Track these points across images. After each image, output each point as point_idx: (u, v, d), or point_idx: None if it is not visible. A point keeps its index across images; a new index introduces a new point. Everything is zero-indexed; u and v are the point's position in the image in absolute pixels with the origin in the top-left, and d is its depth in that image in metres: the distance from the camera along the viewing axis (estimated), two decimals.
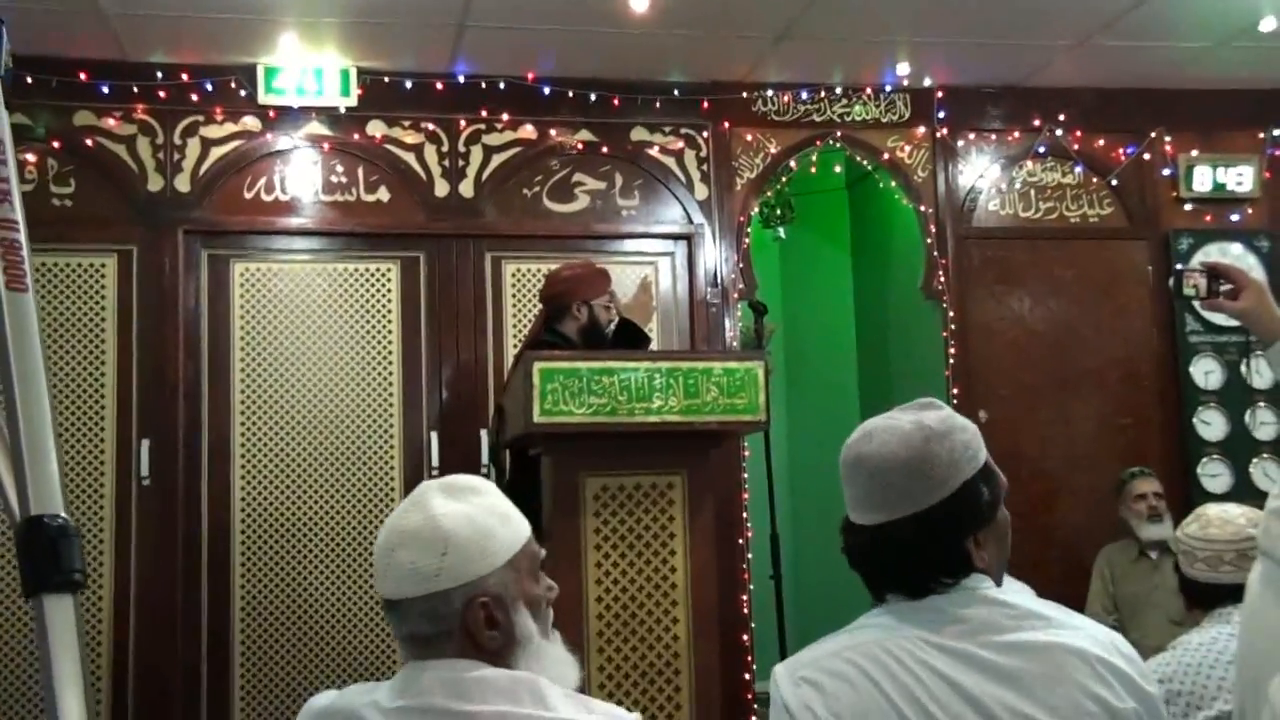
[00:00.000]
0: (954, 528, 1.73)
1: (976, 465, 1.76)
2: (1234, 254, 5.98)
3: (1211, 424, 5.91)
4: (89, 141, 5.22)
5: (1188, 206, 6.07)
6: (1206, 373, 5.93)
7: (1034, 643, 1.68)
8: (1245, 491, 5.67)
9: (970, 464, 1.75)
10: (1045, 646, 1.68)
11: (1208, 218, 6.08)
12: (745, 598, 5.42)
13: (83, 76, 5.16)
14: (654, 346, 5.48)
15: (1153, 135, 6.05)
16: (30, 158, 5.12)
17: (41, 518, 1.15)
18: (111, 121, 5.24)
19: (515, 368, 3.90)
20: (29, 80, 4.98)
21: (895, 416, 1.80)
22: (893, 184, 5.97)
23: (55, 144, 5.17)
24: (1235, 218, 6.11)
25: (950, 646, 1.67)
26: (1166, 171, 6.07)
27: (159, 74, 5.24)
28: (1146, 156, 6.06)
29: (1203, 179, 6.06)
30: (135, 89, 5.23)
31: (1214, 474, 5.86)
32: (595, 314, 4.44)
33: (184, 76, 5.26)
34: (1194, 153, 6.08)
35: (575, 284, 4.52)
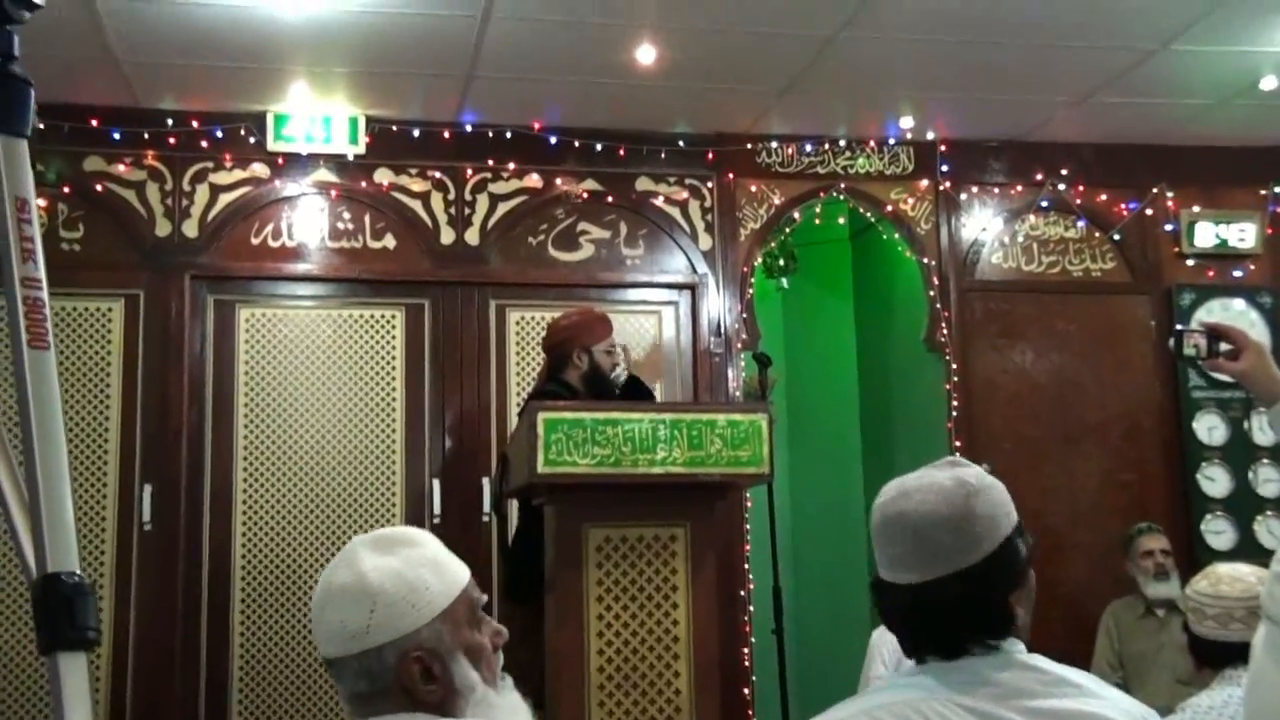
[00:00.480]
0: (997, 585, 1.70)
1: (1013, 522, 1.74)
2: (1236, 310, 6.00)
3: (1215, 480, 5.90)
4: (99, 187, 5.25)
5: (1190, 262, 6.10)
6: (1210, 428, 5.93)
7: (1065, 711, 1.66)
8: (1249, 549, 5.65)
9: (1008, 521, 1.73)
10: (1077, 715, 1.66)
11: (1210, 273, 6.10)
12: (746, 650, 5.39)
13: (94, 123, 5.20)
14: (658, 397, 5.51)
15: (1155, 191, 6.09)
16: (40, 202, 5.14)
17: (58, 575, 1.15)
18: (121, 167, 5.28)
19: (520, 418, 3.91)
20: (40, 126, 5.01)
21: (930, 474, 1.76)
22: (896, 236, 6.00)
23: (65, 189, 5.20)
24: (1238, 274, 6.13)
25: (983, 710, 1.64)
26: (1169, 227, 6.10)
27: (169, 121, 5.29)
28: (1149, 212, 6.09)
29: (1205, 235, 6.09)
30: (146, 135, 5.27)
31: (1218, 530, 5.84)
32: (596, 360, 4.45)
33: (194, 123, 5.31)
34: (1196, 208, 6.12)
35: (575, 331, 4.54)
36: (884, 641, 4.23)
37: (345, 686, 1.63)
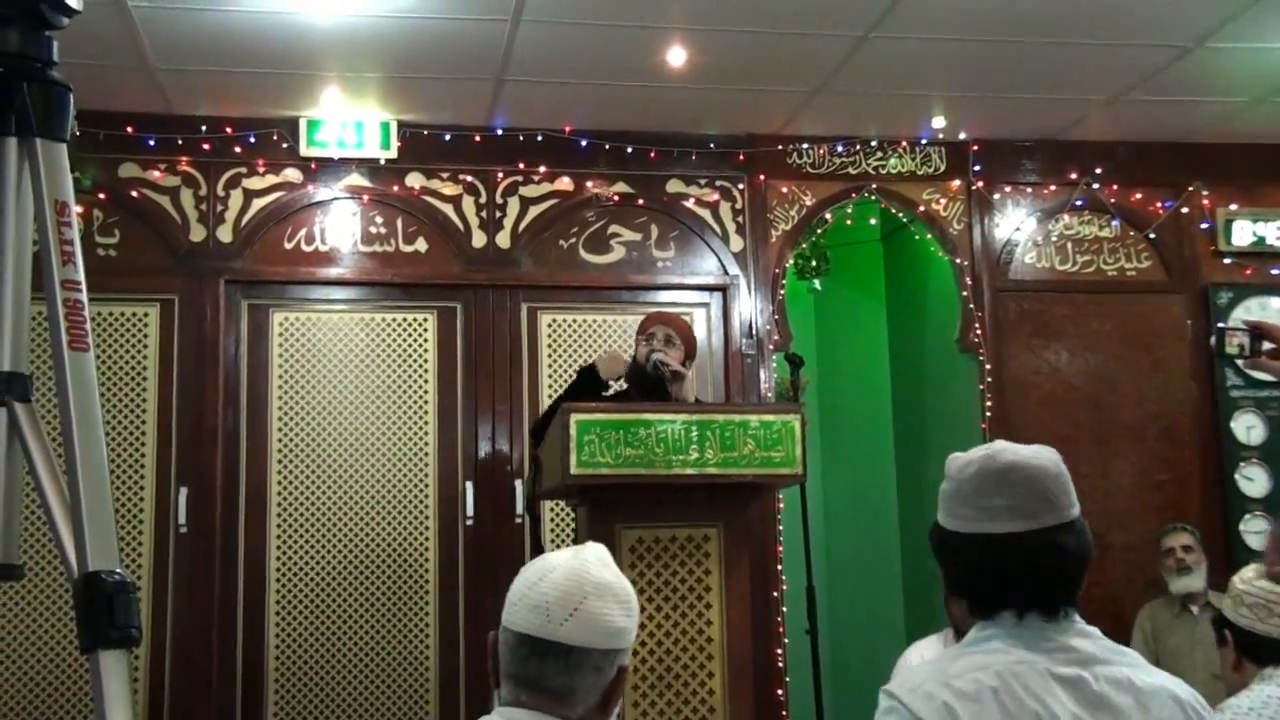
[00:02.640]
0: (1090, 544, 1.79)
1: None
2: (1275, 308, 5.95)
3: (1254, 480, 5.84)
4: (134, 193, 5.30)
5: (1227, 260, 6.05)
6: (1249, 428, 5.87)
7: (1142, 682, 1.72)
8: None
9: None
10: (1155, 690, 1.71)
11: (1248, 272, 6.05)
12: (780, 651, 5.38)
13: (129, 129, 5.25)
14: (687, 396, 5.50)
15: (1190, 189, 6.04)
16: (77, 209, 5.18)
17: (99, 573, 1.16)
18: (156, 173, 5.33)
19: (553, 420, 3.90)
20: (77, 132, 5.07)
21: (1006, 444, 1.83)
22: (928, 236, 5.98)
23: (101, 195, 5.26)
24: (1276, 272, 6.07)
25: (1066, 676, 1.69)
26: (1205, 225, 6.05)
27: (203, 127, 5.33)
28: (1184, 210, 6.04)
29: (1242, 233, 6.03)
30: (180, 141, 5.32)
31: (1257, 530, 5.78)
32: (637, 353, 4.42)
33: (228, 129, 5.35)
34: (1233, 206, 6.06)
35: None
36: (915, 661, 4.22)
37: (560, 678, 1.65)
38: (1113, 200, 6.00)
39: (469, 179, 5.59)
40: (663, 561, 3.69)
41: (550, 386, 5.46)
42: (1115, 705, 1.68)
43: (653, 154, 5.66)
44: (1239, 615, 2.77)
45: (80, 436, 1.19)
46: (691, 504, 3.72)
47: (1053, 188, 6.00)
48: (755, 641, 3.90)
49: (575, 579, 1.67)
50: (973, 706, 1.65)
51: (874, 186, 5.88)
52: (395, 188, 5.51)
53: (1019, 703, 1.65)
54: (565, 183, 5.65)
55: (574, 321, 5.53)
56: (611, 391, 4.45)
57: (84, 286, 1.25)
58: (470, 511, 5.34)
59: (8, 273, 1.25)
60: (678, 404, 4.14)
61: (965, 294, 5.86)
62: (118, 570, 1.18)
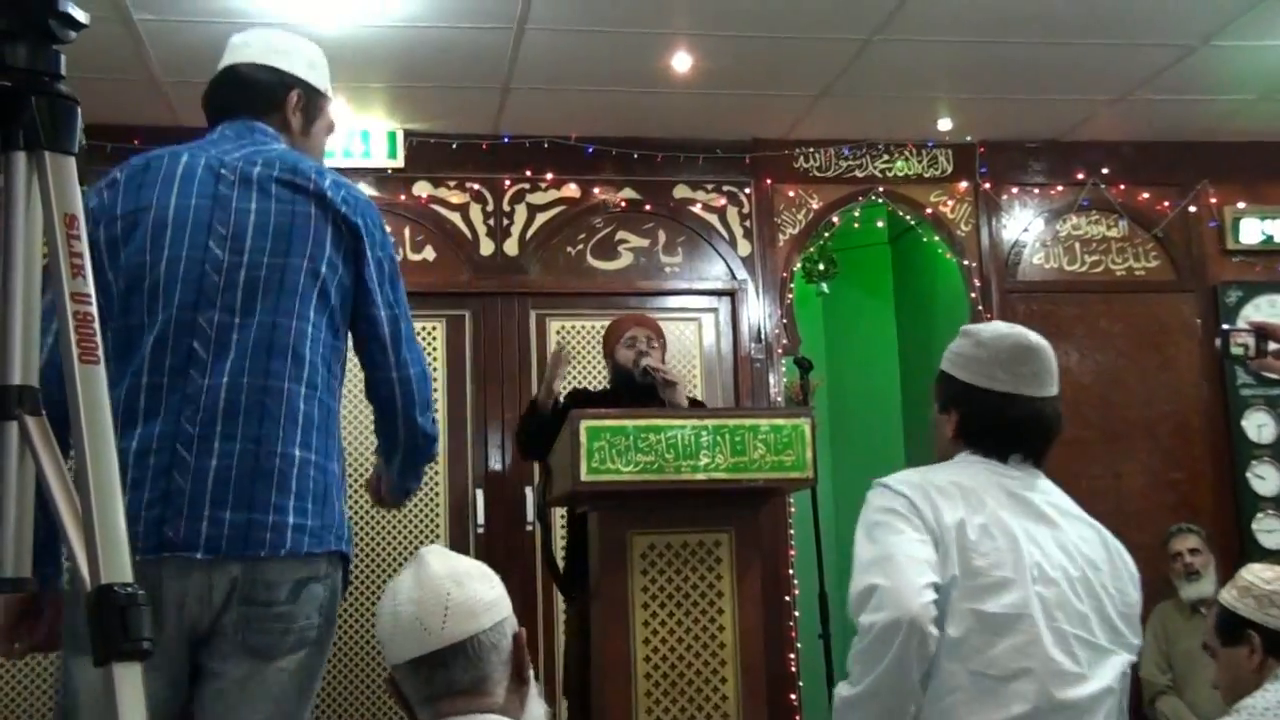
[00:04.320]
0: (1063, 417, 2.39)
1: None
2: None
3: (1266, 479, 5.82)
4: None
5: (1235, 259, 6.03)
6: (1259, 426, 5.86)
7: (1079, 514, 2.31)
8: None
9: None
10: (1090, 523, 2.30)
11: (1256, 269, 6.03)
12: (793, 656, 5.37)
13: (136, 142, 5.25)
14: (698, 394, 5.50)
15: (1198, 188, 6.02)
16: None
17: (112, 586, 1.16)
18: None
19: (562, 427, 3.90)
20: (85, 145, 5.08)
21: (1017, 326, 2.39)
22: (936, 238, 5.98)
23: None
24: None
25: (1022, 496, 2.25)
26: (1213, 224, 6.03)
27: None
28: (1192, 209, 6.03)
29: (1250, 231, 6.02)
30: None
31: (1269, 529, 5.77)
32: (617, 359, 4.43)
33: None
34: (1240, 205, 6.05)
35: (603, 346, 4.58)
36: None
37: (468, 674, 1.65)
38: (1120, 200, 5.99)
39: (476, 187, 5.59)
40: (674, 567, 3.68)
41: (560, 393, 5.45)
42: (1054, 521, 2.24)
43: (659, 159, 5.66)
44: (1268, 615, 2.75)
45: (92, 449, 1.19)
46: (703, 509, 3.71)
47: (1060, 188, 5.99)
48: (768, 647, 3.88)
49: (428, 583, 1.67)
50: (943, 499, 2.18)
51: (881, 189, 5.88)
52: (402, 196, 5.52)
53: (980, 504, 2.18)
54: (572, 189, 5.66)
55: (582, 328, 5.53)
56: (596, 392, 4.46)
57: (94, 299, 1.25)
58: (481, 519, 5.34)
59: (17, 286, 1.25)
60: (688, 409, 4.14)
61: (974, 295, 5.85)
62: (130, 583, 1.18)
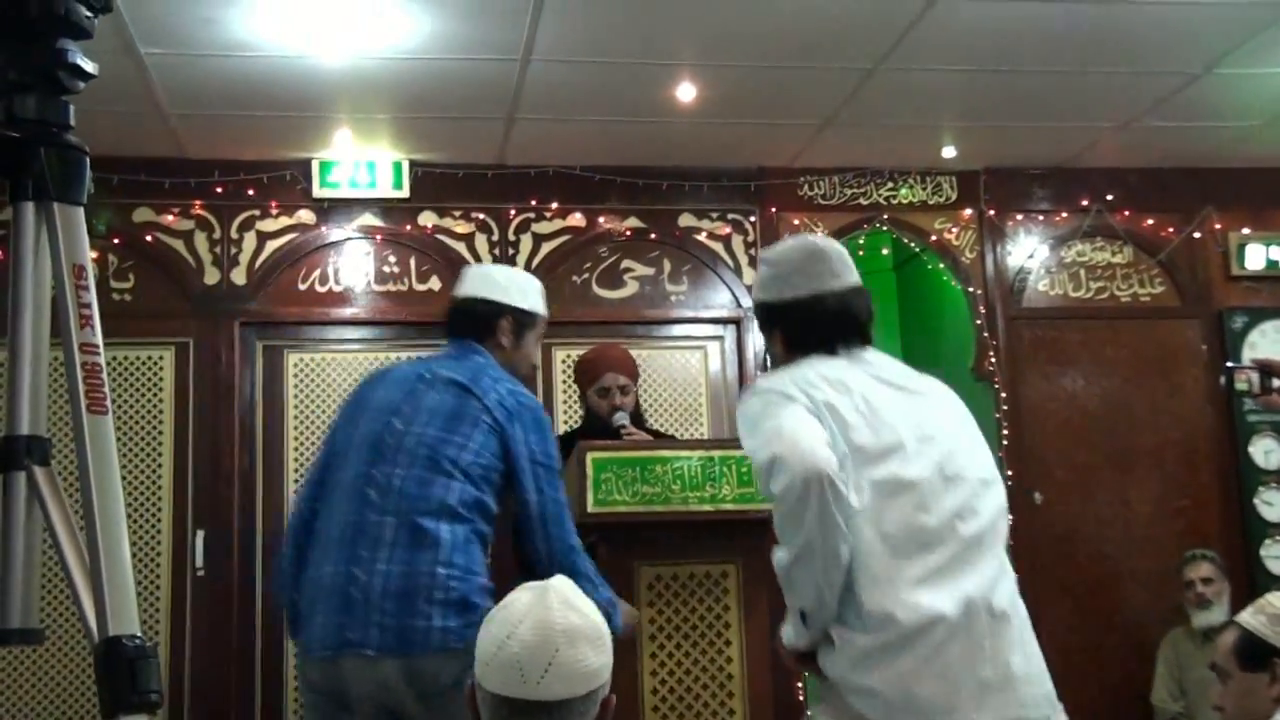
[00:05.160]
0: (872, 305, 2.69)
1: None
2: None
3: (1274, 505, 5.79)
4: (148, 237, 5.33)
5: (1241, 284, 6.02)
6: (1266, 452, 5.83)
7: (933, 380, 2.60)
8: None
9: None
10: (942, 385, 2.60)
11: (1262, 295, 6.01)
12: (800, 686, 5.35)
13: (143, 175, 5.29)
14: (705, 433, 5.50)
15: (1202, 214, 6.02)
16: (91, 254, 5.22)
17: (120, 638, 1.16)
18: (170, 217, 5.36)
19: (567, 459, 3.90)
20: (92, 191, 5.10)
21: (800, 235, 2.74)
22: (941, 265, 5.98)
23: (115, 240, 5.28)
24: None
25: (875, 374, 2.49)
26: (1218, 249, 6.03)
27: (216, 171, 5.36)
28: (1197, 235, 6.02)
29: (1255, 257, 6.01)
30: (193, 185, 5.35)
31: (1278, 556, 5.74)
32: (590, 404, 4.34)
33: (241, 172, 5.38)
34: (1245, 230, 6.04)
35: (575, 378, 4.54)
36: None
37: None
38: (1125, 226, 5.99)
39: (481, 217, 5.60)
40: (681, 599, 3.67)
41: (566, 422, 5.46)
42: (905, 387, 2.50)
43: (664, 188, 5.67)
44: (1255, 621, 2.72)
45: (100, 500, 1.19)
46: (709, 540, 3.71)
47: (1064, 215, 5.99)
48: (775, 677, 3.87)
49: (543, 631, 1.64)
50: (813, 387, 2.38)
51: (885, 217, 5.89)
52: (408, 227, 5.53)
53: (844, 386, 2.40)
54: (577, 219, 5.66)
55: None
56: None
57: (102, 350, 1.25)
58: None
59: (26, 336, 1.25)
60: (693, 440, 4.14)
61: (979, 322, 5.85)
62: (138, 635, 1.18)
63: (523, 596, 1.70)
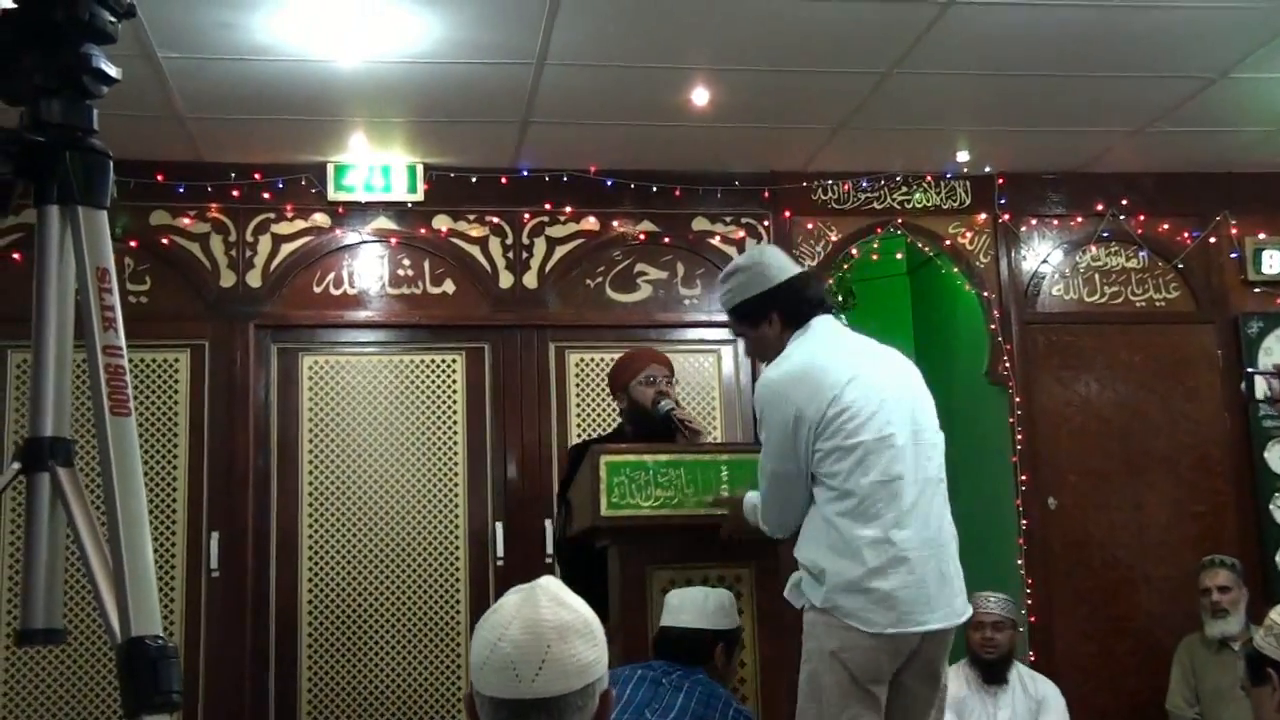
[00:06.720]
0: None
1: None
2: None
3: None
4: (164, 240, 5.35)
5: (1257, 290, 5.98)
6: None
7: (889, 348, 3.32)
8: None
9: None
10: (898, 354, 3.33)
11: (1278, 300, 5.99)
12: None
13: (159, 178, 5.31)
14: (717, 436, 5.50)
15: (1218, 219, 6.00)
16: None
17: (143, 639, 1.17)
18: (186, 220, 5.38)
19: (581, 464, 3.90)
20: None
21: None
22: (955, 270, 5.97)
23: (132, 243, 5.30)
24: None
25: (850, 346, 3.19)
26: (1233, 255, 6.01)
27: (232, 174, 5.38)
28: (1212, 240, 6.00)
29: (1271, 262, 5.98)
30: (209, 188, 5.37)
31: None
32: (633, 396, 4.36)
33: (256, 176, 5.40)
34: (1261, 235, 6.02)
35: (612, 376, 4.56)
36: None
37: None
38: (1140, 231, 5.98)
39: (495, 220, 5.61)
40: None
41: (579, 426, 5.47)
42: (878, 354, 3.23)
43: (678, 192, 5.68)
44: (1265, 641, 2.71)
45: (122, 501, 1.20)
46: (723, 544, 3.71)
47: (1079, 219, 5.98)
48: (789, 680, 3.86)
49: (533, 630, 1.63)
50: (809, 373, 3.06)
51: (899, 221, 5.88)
52: (422, 230, 5.55)
53: (833, 369, 3.04)
54: (591, 222, 5.67)
55: (602, 360, 5.52)
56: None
57: (125, 352, 1.26)
58: (500, 552, 5.34)
59: (50, 338, 1.26)
60: (707, 444, 4.14)
61: (993, 327, 5.84)
62: (160, 635, 1.18)
63: (511, 599, 1.70)
